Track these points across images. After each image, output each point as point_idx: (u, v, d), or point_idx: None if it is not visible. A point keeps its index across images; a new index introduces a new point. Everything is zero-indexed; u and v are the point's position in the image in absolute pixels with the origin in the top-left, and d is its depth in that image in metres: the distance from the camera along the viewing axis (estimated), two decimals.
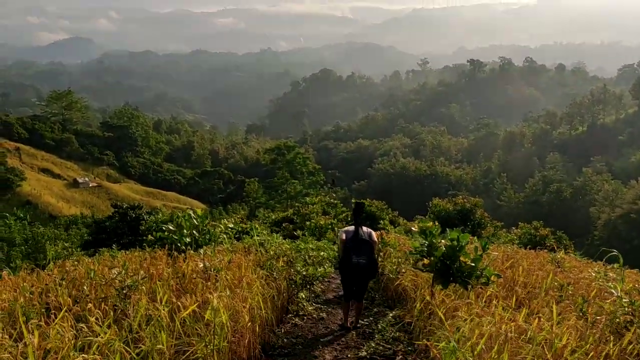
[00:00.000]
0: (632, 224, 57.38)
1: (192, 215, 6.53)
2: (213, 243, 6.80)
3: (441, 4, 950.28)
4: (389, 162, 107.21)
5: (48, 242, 44.11)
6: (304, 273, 8.31)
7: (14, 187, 77.17)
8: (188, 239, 6.32)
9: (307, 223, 16.89)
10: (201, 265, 5.13)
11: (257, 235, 8.17)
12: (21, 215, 61.19)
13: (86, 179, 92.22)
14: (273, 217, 22.17)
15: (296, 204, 25.03)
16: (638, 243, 55.14)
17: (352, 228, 6.76)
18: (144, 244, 7.66)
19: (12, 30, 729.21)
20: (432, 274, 5.34)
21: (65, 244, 35.08)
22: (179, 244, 6.16)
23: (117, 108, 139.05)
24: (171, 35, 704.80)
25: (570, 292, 5.35)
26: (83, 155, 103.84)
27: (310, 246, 10.14)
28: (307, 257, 9.25)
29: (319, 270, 8.82)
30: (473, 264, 4.98)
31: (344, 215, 20.47)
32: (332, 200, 23.00)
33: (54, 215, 72.80)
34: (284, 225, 19.98)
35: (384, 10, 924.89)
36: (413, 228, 5.69)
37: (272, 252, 7.09)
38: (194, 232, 6.46)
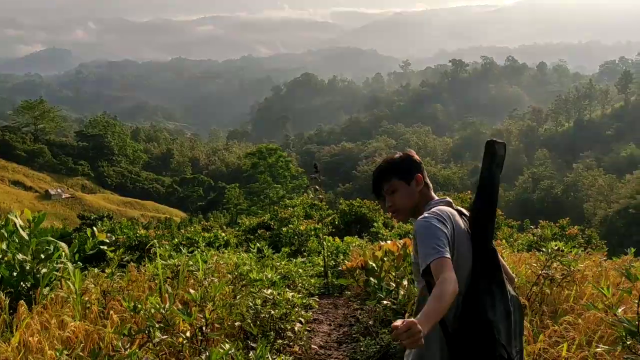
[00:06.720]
0: (631, 219, 55.05)
1: (17, 222, 3.19)
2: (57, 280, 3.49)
3: (420, 8, 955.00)
4: (374, 164, 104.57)
5: None
6: None
7: None
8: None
9: (284, 229, 13.71)
10: None
11: (171, 256, 4.69)
12: None
13: (59, 190, 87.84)
14: (247, 223, 18.92)
15: (275, 207, 21.84)
16: (638, 239, 52.73)
17: (456, 218, 2.42)
18: None
19: None
20: None
21: None
22: None
23: (92, 118, 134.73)
24: (150, 44, 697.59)
25: None
26: (56, 166, 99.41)
27: (270, 275, 5.43)
28: (259, 307, 4.68)
29: None
30: None
31: (330, 218, 17.21)
32: (315, 202, 19.69)
33: None
34: (259, 232, 16.79)
35: (364, 15, 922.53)
36: None
37: (144, 314, 3.03)
38: (21, 256, 3.08)
